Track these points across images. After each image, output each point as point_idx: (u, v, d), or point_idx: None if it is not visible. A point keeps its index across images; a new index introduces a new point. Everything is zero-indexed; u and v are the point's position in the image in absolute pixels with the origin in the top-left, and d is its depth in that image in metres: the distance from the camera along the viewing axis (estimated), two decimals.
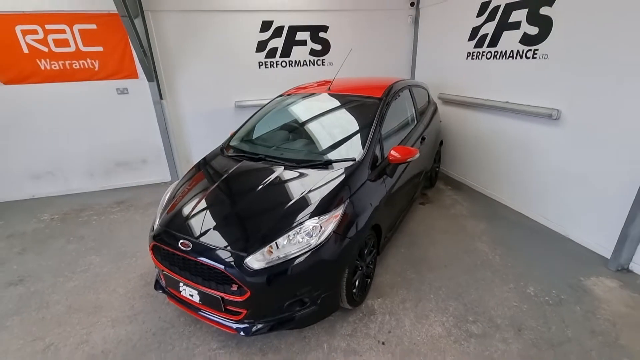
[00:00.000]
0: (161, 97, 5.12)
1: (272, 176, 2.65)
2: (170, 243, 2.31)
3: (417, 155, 2.82)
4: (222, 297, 2.17)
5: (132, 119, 5.16)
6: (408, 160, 2.78)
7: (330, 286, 2.28)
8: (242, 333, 2.21)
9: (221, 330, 2.46)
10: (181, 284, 2.34)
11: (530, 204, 3.92)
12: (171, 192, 2.85)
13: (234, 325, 2.23)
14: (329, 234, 2.19)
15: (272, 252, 2.11)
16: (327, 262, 2.18)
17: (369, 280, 2.77)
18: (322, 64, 5.70)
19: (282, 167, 2.73)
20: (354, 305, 2.56)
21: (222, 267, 2.08)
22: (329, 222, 2.22)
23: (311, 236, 2.16)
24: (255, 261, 2.08)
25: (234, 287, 2.11)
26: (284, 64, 5.54)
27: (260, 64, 5.44)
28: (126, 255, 3.52)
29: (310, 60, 5.64)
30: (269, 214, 2.34)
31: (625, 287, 2.78)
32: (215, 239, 2.23)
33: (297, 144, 3.13)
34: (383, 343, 2.36)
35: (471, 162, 4.79)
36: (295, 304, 2.23)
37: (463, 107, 4.75)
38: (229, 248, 2.16)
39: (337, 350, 2.32)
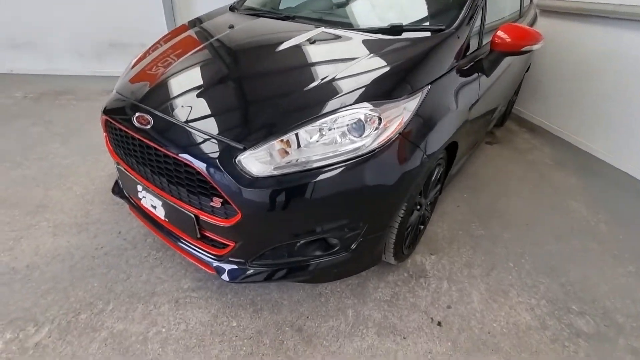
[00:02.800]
0: None
1: (303, 36, 1.63)
2: (122, 117, 1.41)
3: (541, 43, 1.72)
4: (197, 217, 1.31)
5: None
6: (524, 49, 1.69)
7: (376, 225, 1.38)
8: (224, 277, 1.39)
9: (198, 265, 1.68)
10: (140, 188, 1.49)
11: None
12: (143, 53, 1.90)
13: (214, 263, 1.41)
14: (392, 136, 1.24)
15: (286, 150, 1.19)
16: (380, 185, 1.25)
17: (422, 228, 1.87)
18: None
19: (321, 28, 1.70)
20: (399, 260, 1.70)
21: (197, 163, 1.19)
22: (395, 116, 1.25)
23: (360, 134, 1.21)
24: (256, 161, 1.17)
25: (216, 203, 1.23)
26: None
27: None
28: (97, 150, 2.69)
29: None
30: (290, 90, 1.37)
31: None
32: (191, 116, 1.31)
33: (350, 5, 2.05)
34: (439, 324, 1.53)
35: (560, 100, 3.59)
36: (315, 245, 1.36)
37: (567, 17, 3.42)
38: (213, 133, 1.24)
39: (367, 322, 1.51)
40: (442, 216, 2.20)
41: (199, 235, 1.38)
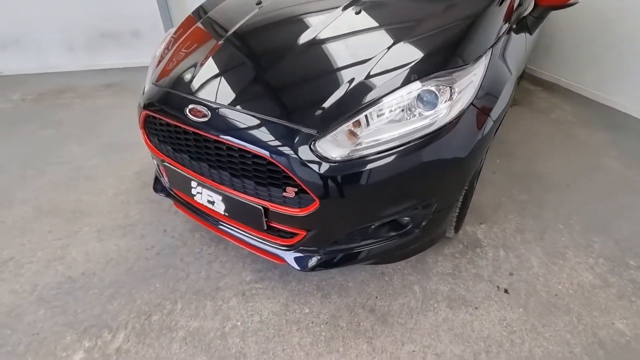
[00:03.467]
0: None
1: (344, 8, 1.55)
2: (173, 111, 1.34)
3: None
4: (266, 209, 1.28)
5: None
6: (570, 2, 1.62)
7: (447, 200, 1.36)
8: (296, 266, 1.37)
9: (255, 254, 1.66)
10: (194, 184, 1.44)
11: None
12: (168, 41, 1.79)
13: (287, 255, 1.38)
14: (465, 106, 1.19)
15: (355, 133, 1.14)
16: (456, 158, 1.22)
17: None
18: None
19: None
20: (457, 232, 1.70)
21: (268, 153, 1.14)
22: (466, 85, 1.20)
23: (433, 107, 1.15)
24: (332, 146, 1.13)
25: (290, 192, 1.19)
26: None
27: None
28: (118, 148, 2.61)
29: None
30: (350, 66, 1.29)
31: None
32: (252, 104, 1.25)
33: None
34: (506, 291, 1.54)
35: (576, 54, 3.53)
36: (388, 225, 1.34)
37: None
38: (282, 120, 1.19)
39: (436, 296, 1.52)
40: (481, 184, 2.18)
41: (265, 227, 1.35)
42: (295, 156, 1.12)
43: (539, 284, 1.57)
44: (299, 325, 1.41)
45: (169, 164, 1.49)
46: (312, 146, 1.12)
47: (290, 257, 1.38)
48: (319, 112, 1.17)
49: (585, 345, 1.33)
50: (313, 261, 1.35)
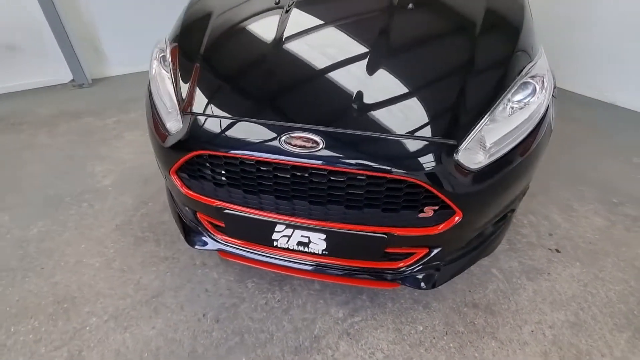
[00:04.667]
0: None
1: None
2: (257, 144, 1.06)
3: None
4: (390, 235, 1.14)
5: None
6: None
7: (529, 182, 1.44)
8: (423, 285, 1.27)
9: (325, 283, 1.50)
10: (281, 228, 1.19)
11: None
12: (172, 52, 1.39)
13: (393, 277, 1.27)
14: (552, 93, 1.27)
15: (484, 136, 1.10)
16: (547, 138, 1.27)
17: None
18: None
19: None
20: None
21: (411, 175, 1.01)
22: (545, 73, 1.26)
23: (532, 97, 1.19)
24: (471, 154, 1.06)
25: (428, 212, 1.09)
26: None
27: None
28: (65, 201, 1.97)
29: None
30: (458, 62, 1.21)
31: None
32: (373, 124, 1.08)
33: None
34: (557, 250, 1.74)
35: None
36: (502, 218, 1.36)
37: None
38: (419, 136, 1.06)
39: (514, 273, 1.62)
40: None
41: (382, 256, 1.21)
42: (441, 172, 1.02)
43: (574, 237, 1.82)
44: (424, 345, 1.33)
45: (234, 210, 1.19)
46: (455, 157, 1.03)
47: (413, 279, 1.27)
48: (450, 120, 1.08)
49: (634, 277, 1.61)
50: (443, 275, 1.28)
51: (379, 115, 1.09)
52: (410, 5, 1.40)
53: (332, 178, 1.05)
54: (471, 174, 1.05)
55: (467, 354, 1.31)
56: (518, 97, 1.16)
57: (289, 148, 1.03)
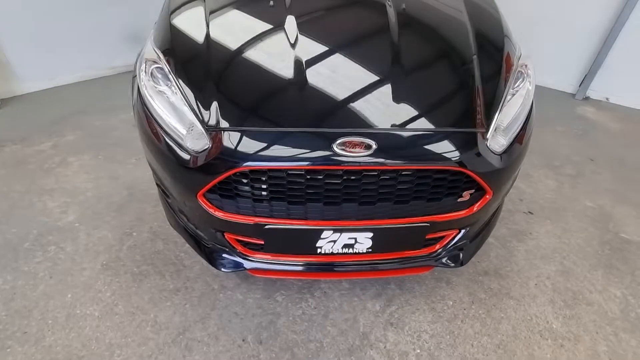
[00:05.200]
0: None
1: None
2: (308, 154, 1.04)
3: None
4: (433, 223, 1.21)
5: None
6: None
7: None
8: (452, 264, 1.37)
9: (353, 281, 1.54)
10: (327, 234, 1.18)
11: None
12: (169, 68, 1.25)
13: (430, 261, 1.36)
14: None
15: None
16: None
17: None
18: None
19: None
20: None
21: (456, 165, 1.09)
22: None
23: (525, 78, 1.36)
24: (496, 137, 1.17)
25: (466, 196, 1.18)
26: None
27: None
28: (25, 247, 1.65)
29: None
30: (458, 58, 1.33)
31: (601, 109, 3.30)
32: (412, 121, 1.12)
33: None
34: (531, 212, 2.02)
35: None
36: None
37: None
38: (456, 128, 1.14)
39: (505, 238, 1.84)
40: None
41: (424, 244, 1.28)
42: (478, 158, 1.12)
43: (538, 199, 2.13)
44: (459, 318, 1.46)
45: (277, 224, 1.15)
46: (486, 144, 1.14)
47: (443, 261, 1.36)
48: (477, 112, 1.18)
49: (590, 224, 1.95)
50: (468, 252, 1.39)
51: (420, 113, 1.15)
52: (403, 6, 1.48)
53: (382, 177, 1.08)
54: (498, 156, 1.18)
55: (495, 316, 1.47)
56: (516, 84, 1.32)
57: (343, 153, 1.03)
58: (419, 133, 1.11)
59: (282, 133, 1.08)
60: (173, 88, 1.19)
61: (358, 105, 1.14)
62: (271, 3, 1.44)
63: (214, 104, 1.12)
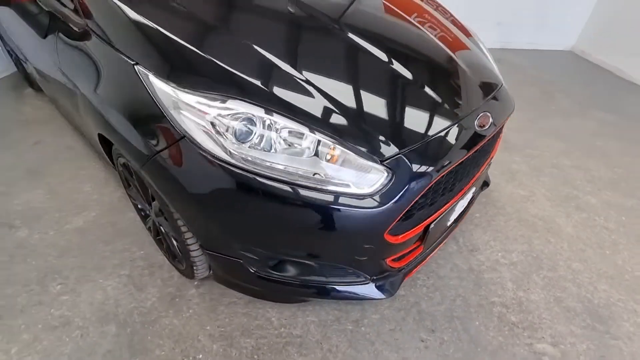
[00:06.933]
0: None
1: None
2: (462, 143, 1.24)
3: None
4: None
5: None
6: None
7: None
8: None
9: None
10: (451, 209, 1.39)
11: None
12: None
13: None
14: None
15: None
16: None
17: None
18: None
19: None
20: None
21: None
22: None
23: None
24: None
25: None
26: None
27: None
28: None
29: None
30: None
31: None
32: (480, 91, 1.46)
33: None
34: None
35: None
36: None
37: None
38: (492, 94, 1.48)
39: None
40: None
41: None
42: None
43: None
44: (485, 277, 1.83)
45: (434, 220, 1.28)
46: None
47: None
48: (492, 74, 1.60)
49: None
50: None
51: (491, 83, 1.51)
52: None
53: (486, 143, 1.35)
54: None
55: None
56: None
57: (481, 130, 1.26)
58: (490, 100, 1.40)
59: (440, 136, 1.18)
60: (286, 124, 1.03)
61: (459, 90, 1.39)
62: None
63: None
